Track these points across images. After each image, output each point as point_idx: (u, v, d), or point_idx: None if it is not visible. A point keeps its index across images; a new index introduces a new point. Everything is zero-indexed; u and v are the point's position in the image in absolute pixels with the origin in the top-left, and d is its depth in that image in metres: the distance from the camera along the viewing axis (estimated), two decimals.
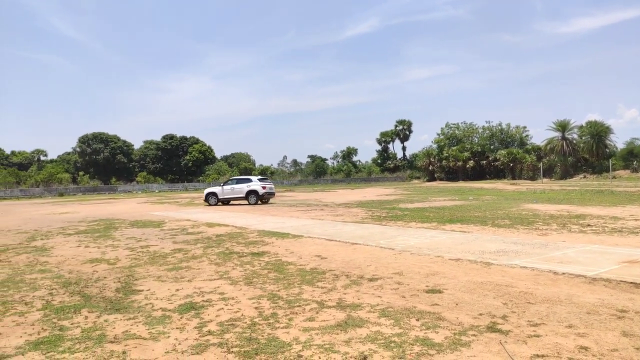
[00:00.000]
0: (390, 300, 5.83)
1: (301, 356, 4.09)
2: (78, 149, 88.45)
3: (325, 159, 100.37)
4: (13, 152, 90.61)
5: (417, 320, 5.03)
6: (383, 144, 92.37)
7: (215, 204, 27.74)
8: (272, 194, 28.91)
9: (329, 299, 5.93)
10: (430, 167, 71.37)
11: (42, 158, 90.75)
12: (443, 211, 18.08)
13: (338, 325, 4.90)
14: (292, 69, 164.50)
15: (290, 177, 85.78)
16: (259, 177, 31.77)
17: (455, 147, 69.45)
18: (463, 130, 74.87)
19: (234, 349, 4.32)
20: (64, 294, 6.74)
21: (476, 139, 73.02)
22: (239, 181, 29.12)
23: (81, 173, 76.86)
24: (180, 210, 24.84)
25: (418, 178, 75.76)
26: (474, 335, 4.54)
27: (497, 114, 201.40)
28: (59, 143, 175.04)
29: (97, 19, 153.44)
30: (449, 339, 4.44)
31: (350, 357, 4.05)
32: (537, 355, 3.97)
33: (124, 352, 4.34)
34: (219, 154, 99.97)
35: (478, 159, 67.61)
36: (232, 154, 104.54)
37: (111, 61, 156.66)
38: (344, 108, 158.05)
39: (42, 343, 4.66)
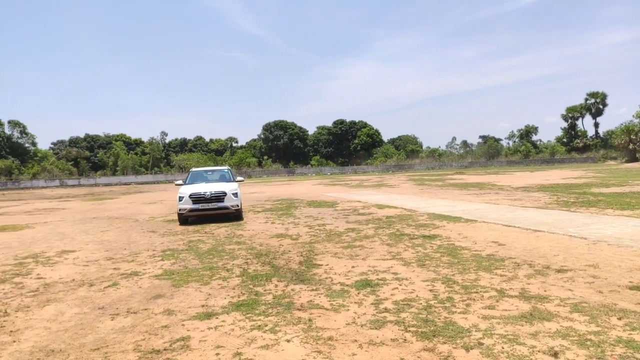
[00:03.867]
0: (584, 294, 5.21)
1: (482, 344, 3.93)
2: (262, 136, 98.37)
3: (499, 139, 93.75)
4: (211, 140, 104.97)
5: (619, 319, 4.40)
6: (570, 121, 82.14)
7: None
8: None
9: (510, 288, 5.56)
10: (631, 146, 61.06)
11: (234, 145, 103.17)
12: None
13: (522, 316, 4.57)
14: (463, 44, 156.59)
15: (460, 159, 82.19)
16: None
17: None
18: None
19: (411, 329, 4.36)
20: (256, 263, 7.63)
21: None
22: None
23: (265, 157, 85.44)
24: (351, 192, 25.85)
25: (614, 159, 65.68)
26: None
27: None
28: (247, 131, 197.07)
29: (277, 15, 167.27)
30: None
31: (538, 352, 3.75)
32: None
33: (309, 320, 4.73)
34: (386, 137, 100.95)
35: None
36: (398, 136, 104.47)
37: (289, 53, 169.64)
38: (522, 82, 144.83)
39: (242, 305, 5.36)
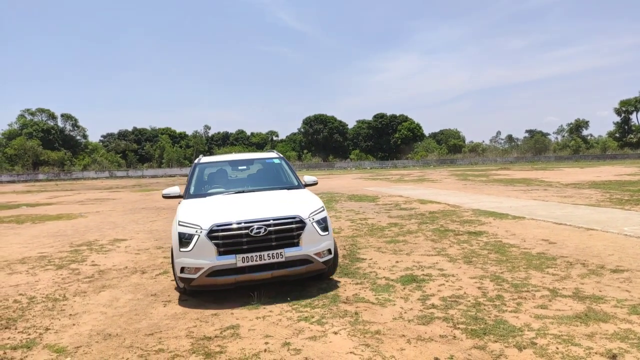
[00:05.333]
0: None
1: (535, 344, 3.82)
2: (302, 130, 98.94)
3: (547, 134, 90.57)
4: (252, 134, 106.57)
5: None
6: (623, 115, 78.34)
7: None
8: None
9: (563, 288, 5.37)
10: None
11: (274, 138, 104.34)
12: None
13: (577, 316, 4.41)
14: (511, 35, 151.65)
15: (505, 154, 79.89)
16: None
17: None
18: None
19: (460, 326, 4.29)
20: None
21: None
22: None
23: (305, 151, 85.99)
24: (392, 186, 25.63)
25: None
26: None
27: None
28: (288, 125, 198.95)
29: (317, 9, 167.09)
30: None
31: (595, 353, 3.61)
32: None
33: (356, 313, 4.75)
34: (427, 131, 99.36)
35: None
36: (440, 130, 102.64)
37: (329, 47, 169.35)
38: (572, 75, 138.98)
39: (290, 296, 5.43)
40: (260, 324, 4.58)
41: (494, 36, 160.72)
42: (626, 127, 77.52)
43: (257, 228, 5.17)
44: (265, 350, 3.92)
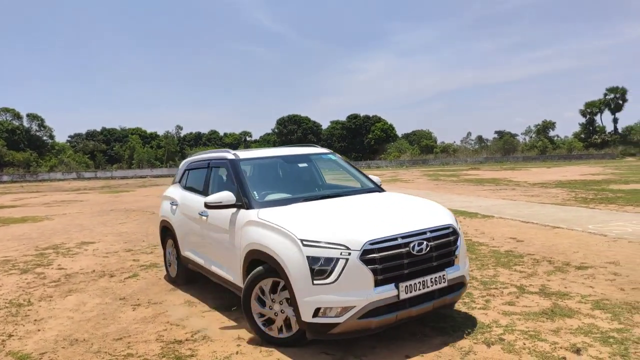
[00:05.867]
0: (606, 292, 5.15)
1: (503, 340, 3.91)
2: (276, 130, 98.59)
3: (515, 135, 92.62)
4: (225, 134, 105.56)
5: None
6: (588, 116, 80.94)
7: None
8: None
9: (530, 284, 5.51)
10: None
11: (248, 139, 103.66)
12: None
13: (543, 312, 4.53)
14: (482, 37, 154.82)
15: (475, 155, 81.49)
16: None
17: None
18: None
19: (430, 324, 4.35)
20: None
21: None
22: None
23: None
24: None
25: (633, 155, 64.60)
26: None
27: None
28: (261, 125, 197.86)
29: (293, 9, 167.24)
30: None
31: (560, 348, 3.72)
32: None
33: None
34: (400, 131, 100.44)
35: None
36: (413, 131, 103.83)
37: (304, 47, 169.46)
38: (540, 77, 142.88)
39: None
40: (232, 326, 4.54)
41: (465, 39, 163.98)
42: (591, 128, 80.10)
43: (419, 244, 3.75)
44: (237, 353, 3.89)
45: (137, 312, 5.09)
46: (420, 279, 3.73)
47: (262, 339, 4.02)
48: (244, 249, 4.18)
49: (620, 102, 77.72)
